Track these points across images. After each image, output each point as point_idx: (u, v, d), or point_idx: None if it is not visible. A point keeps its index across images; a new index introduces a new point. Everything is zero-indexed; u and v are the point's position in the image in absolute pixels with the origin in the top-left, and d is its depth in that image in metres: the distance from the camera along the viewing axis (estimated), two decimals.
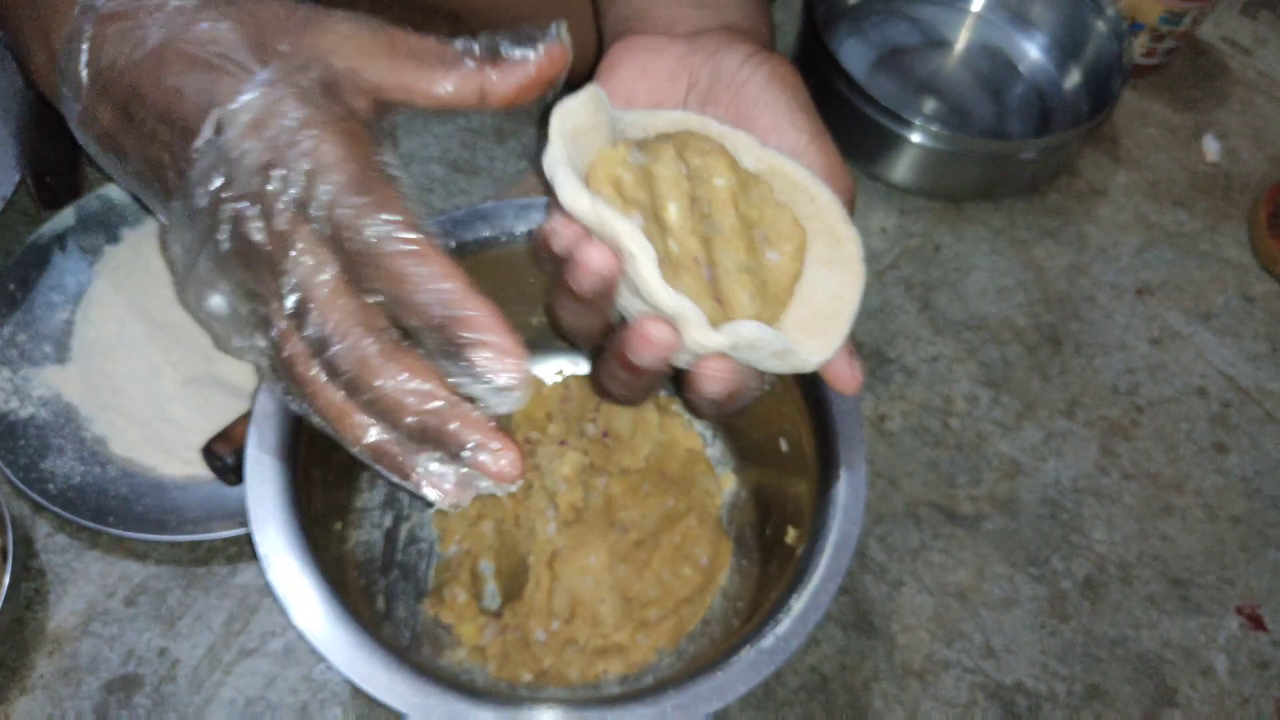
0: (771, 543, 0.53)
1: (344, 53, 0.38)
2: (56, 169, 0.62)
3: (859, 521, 0.46)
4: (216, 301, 0.38)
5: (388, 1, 0.72)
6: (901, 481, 0.62)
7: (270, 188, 0.34)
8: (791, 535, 0.50)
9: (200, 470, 0.55)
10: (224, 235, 0.36)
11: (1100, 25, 0.77)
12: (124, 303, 0.59)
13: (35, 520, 0.55)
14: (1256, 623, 0.60)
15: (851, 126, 0.73)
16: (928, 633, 0.57)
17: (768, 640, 0.43)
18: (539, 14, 0.68)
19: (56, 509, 0.52)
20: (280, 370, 0.37)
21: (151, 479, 0.55)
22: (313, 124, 0.35)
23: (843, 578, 0.45)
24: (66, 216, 0.61)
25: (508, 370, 0.34)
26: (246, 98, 0.35)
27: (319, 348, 0.35)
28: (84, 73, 0.38)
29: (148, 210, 0.62)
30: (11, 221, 0.64)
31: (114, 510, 0.53)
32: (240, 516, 0.53)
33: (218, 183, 0.35)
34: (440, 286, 0.33)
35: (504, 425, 0.56)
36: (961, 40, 0.83)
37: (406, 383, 0.34)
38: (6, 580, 0.49)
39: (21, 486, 0.52)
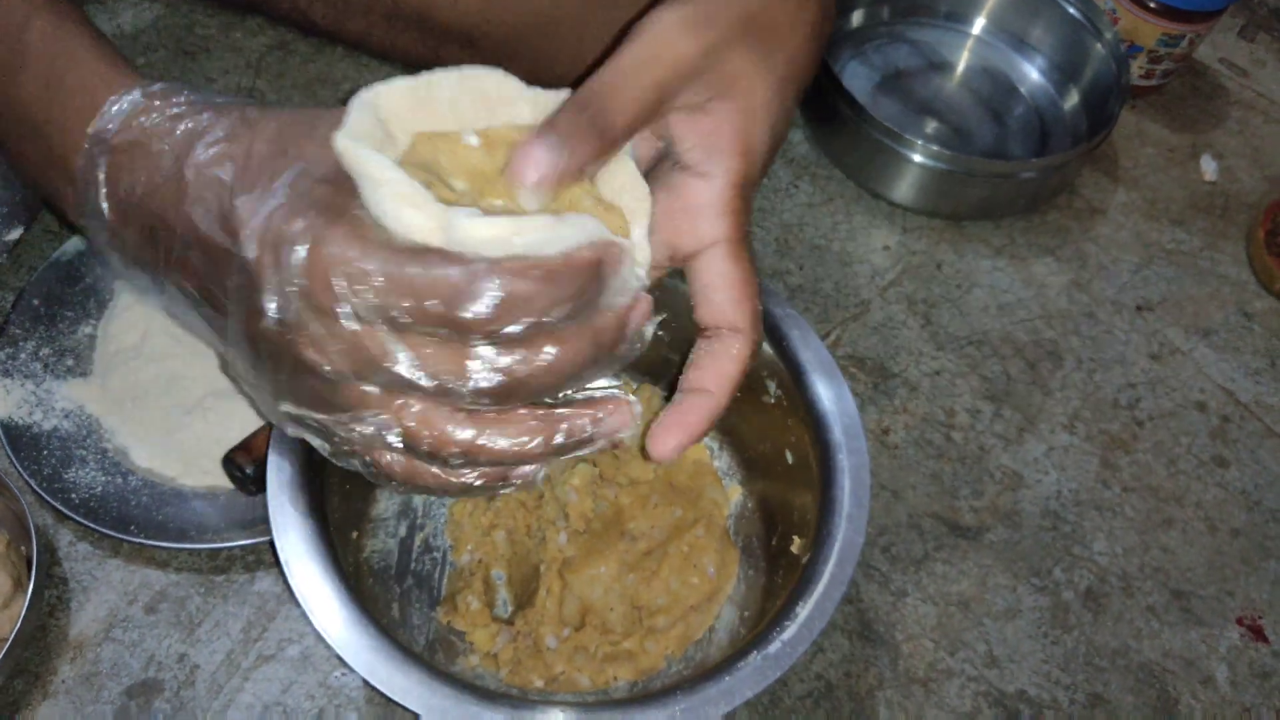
0: (777, 552, 0.54)
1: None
2: None
3: (863, 531, 0.48)
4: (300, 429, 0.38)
5: (402, 27, 0.73)
6: (905, 493, 0.63)
7: (301, 316, 0.34)
8: (797, 545, 0.51)
9: (220, 481, 0.56)
10: (286, 373, 0.36)
11: (1099, 48, 0.79)
12: (145, 317, 0.61)
13: (58, 529, 0.56)
14: (1257, 634, 0.61)
15: (855, 147, 0.74)
16: (931, 641, 0.58)
17: (774, 646, 0.44)
18: (551, 37, 0.70)
19: (79, 518, 0.53)
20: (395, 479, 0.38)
21: (172, 489, 0.56)
22: (313, 229, 0.33)
23: (847, 586, 0.46)
24: None
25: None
26: (257, 222, 0.34)
27: (426, 458, 0.36)
28: (104, 205, 0.39)
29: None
30: (36, 238, 0.66)
31: (135, 519, 0.54)
32: (258, 526, 0.54)
33: (268, 316, 0.34)
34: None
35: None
36: (962, 63, 0.84)
37: (513, 441, 0.36)
38: (30, 588, 0.50)
39: (45, 496, 0.54)
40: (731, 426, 0.60)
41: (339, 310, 0.33)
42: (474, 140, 0.36)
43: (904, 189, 0.74)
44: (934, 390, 0.68)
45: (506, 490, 0.39)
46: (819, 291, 0.71)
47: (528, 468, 0.38)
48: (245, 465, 0.53)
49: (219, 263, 0.36)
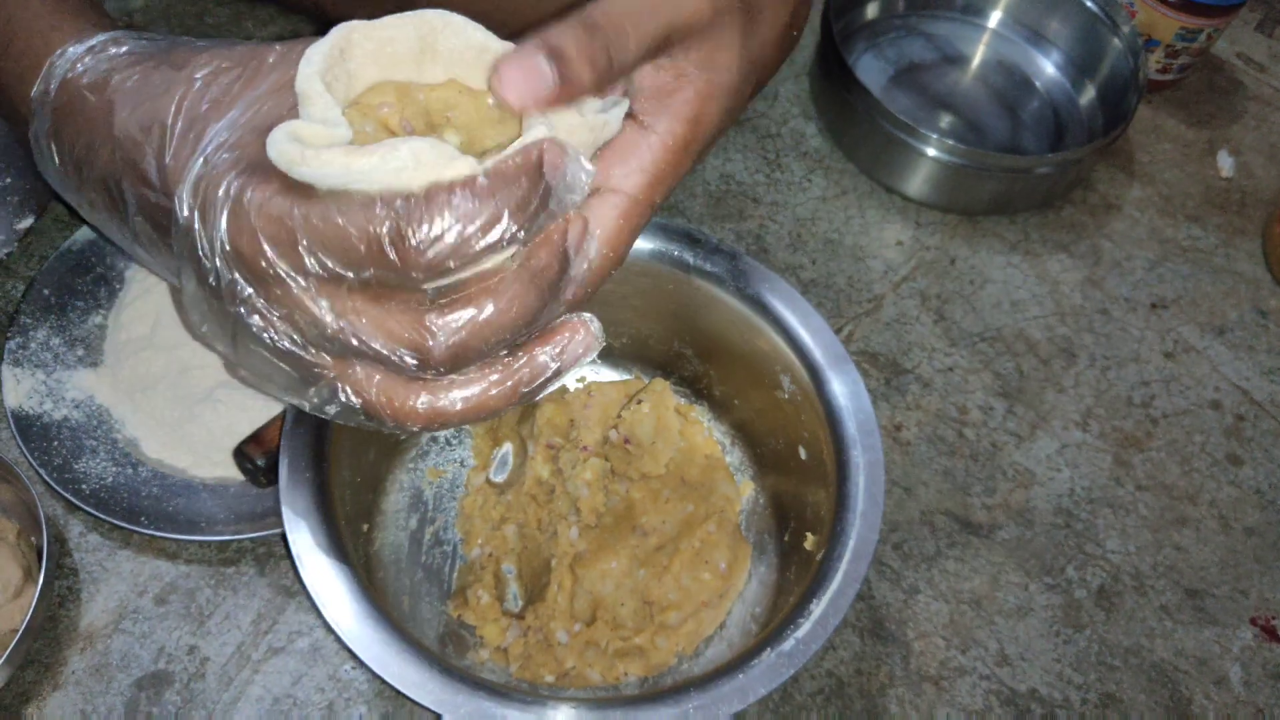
0: (790, 549, 0.54)
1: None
2: None
3: (877, 528, 0.47)
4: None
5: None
6: (917, 490, 0.63)
7: (233, 278, 0.32)
8: (810, 541, 0.51)
9: (230, 472, 0.56)
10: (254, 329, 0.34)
11: (1116, 42, 0.78)
12: (155, 307, 0.61)
13: (69, 520, 0.56)
14: (1271, 634, 0.60)
15: (869, 141, 0.74)
16: (943, 639, 0.58)
17: (788, 643, 0.44)
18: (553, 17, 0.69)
19: (89, 509, 0.53)
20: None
21: (183, 480, 0.56)
22: (238, 188, 0.32)
23: (861, 583, 0.46)
24: None
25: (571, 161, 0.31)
26: (188, 182, 0.33)
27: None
28: (59, 165, 0.39)
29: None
30: (46, 228, 0.66)
31: (146, 511, 0.54)
32: (268, 518, 0.54)
33: (208, 283, 0.33)
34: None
35: (529, 430, 0.57)
36: (978, 56, 0.84)
37: (477, 400, 0.34)
38: (41, 579, 0.50)
39: (56, 487, 0.54)
40: (744, 421, 0.59)
41: (274, 274, 0.31)
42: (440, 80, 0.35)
43: (918, 183, 0.73)
44: (947, 387, 0.67)
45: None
46: (832, 286, 0.71)
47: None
48: (256, 457, 0.52)
49: (166, 224, 0.34)
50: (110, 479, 0.55)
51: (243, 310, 0.33)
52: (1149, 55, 0.81)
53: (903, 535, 0.61)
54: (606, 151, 0.37)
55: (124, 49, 0.38)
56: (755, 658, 0.44)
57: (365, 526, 0.53)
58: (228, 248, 0.32)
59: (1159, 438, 0.67)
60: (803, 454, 0.54)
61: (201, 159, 0.33)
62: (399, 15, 0.33)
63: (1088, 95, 0.81)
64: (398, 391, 0.34)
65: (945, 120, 0.79)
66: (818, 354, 0.52)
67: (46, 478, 0.54)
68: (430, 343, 0.32)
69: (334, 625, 0.42)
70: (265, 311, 0.32)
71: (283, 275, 0.31)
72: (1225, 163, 0.81)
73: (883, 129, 0.72)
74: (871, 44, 0.83)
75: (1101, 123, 0.79)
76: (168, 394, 0.58)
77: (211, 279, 0.33)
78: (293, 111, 0.33)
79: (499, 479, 0.57)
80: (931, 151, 0.71)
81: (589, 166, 0.32)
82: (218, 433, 0.57)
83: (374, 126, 0.33)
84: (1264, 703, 0.58)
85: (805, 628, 0.44)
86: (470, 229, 0.30)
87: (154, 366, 0.59)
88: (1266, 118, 0.85)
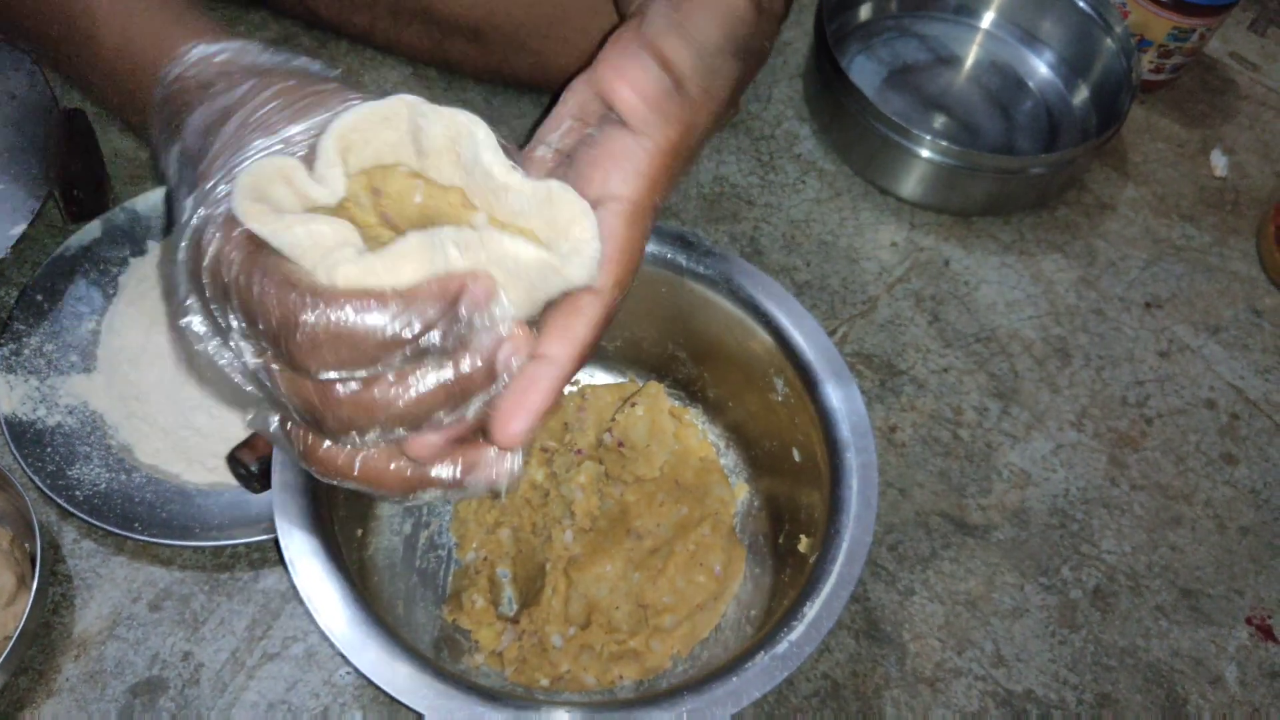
0: (784, 551, 0.54)
1: None
2: (84, 183, 0.63)
3: (871, 530, 0.47)
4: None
5: (407, 20, 0.73)
6: (912, 491, 0.63)
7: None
8: (804, 544, 0.51)
9: (224, 478, 0.56)
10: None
11: (1109, 42, 0.78)
12: (149, 313, 0.61)
13: (62, 526, 0.56)
14: (1266, 633, 0.60)
15: (862, 142, 0.74)
16: (938, 641, 0.58)
17: (782, 646, 0.44)
18: (556, 31, 0.69)
19: (83, 515, 0.53)
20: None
21: (176, 486, 0.56)
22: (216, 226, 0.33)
23: (855, 585, 0.46)
24: (93, 229, 0.62)
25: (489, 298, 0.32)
26: (198, 200, 0.34)
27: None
28: (175, 150, 0.39)
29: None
30: (39, 234, 0.65)
31: (140, 516, 0.54)
32: (263, 523, 0.54)
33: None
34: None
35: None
36: (971, 57, 0.84)
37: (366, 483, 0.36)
38: (34, 585, 0.50)
39: (49, 493, 0.54)
40: (738, 424, 0.59)
41: (214, 309, 0.33)
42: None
43: (912, 185, 0.74)
44: (941, 388, 0.67)
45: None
46: (826, 288, 0.71)
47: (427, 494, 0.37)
48: (249, 462, 0.52)
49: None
50: (104, 485, 0.55)
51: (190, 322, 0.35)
52: (1142, 55, 0.81)
53: (898, 537, 0.61)
54: (603, 160, 0.37)
55: (246, 59, 0.40)
56: (750, 660, 0.43)
57: (359, 531, 0.53)
58: (186, 269, 0.33)
59: (1154, 437, 0.67)
60: (797, 456, 0.54)
61: (222, 174, 0.34)
62: (450, 110, 0.33)
63: (1081, 95, 0.82)
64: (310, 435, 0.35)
65: (939, 121, 0.79)
66: (811, 356, 0.52)
67: (40, 484, 0.54)
68: (323, 411, 0.33)
69: (327, 631, 0.42)
70: (207, 335, 0.34)
71: (215, 313, 0.33)
72: (1219, 162, 0.81)
73: (876, 130, 0.72)
74: (865, 45, 0.83)
75: (1095, 123, 0.79)
76: (161, 400, 0.58)
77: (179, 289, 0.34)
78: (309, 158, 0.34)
79: None
80: (925, 152, 0.71)
81: (508, 309, 0.32)
82: (211, 439, 0.57)
83: (369, 204, 0.34)
84: (1260, 702, 0.58)
85: (800, 630, 0.44)
86: (364, 336, 0.31)
87: (147, 372, 0.59)
88: (1259, 117, 0.85)
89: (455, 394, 0.33)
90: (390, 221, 0.34)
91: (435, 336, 0.31)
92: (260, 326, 0.31)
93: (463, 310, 0.31)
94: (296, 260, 0.31)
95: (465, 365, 0.32)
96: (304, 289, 0.30)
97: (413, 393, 0.32)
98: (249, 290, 0.31)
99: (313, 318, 0.30)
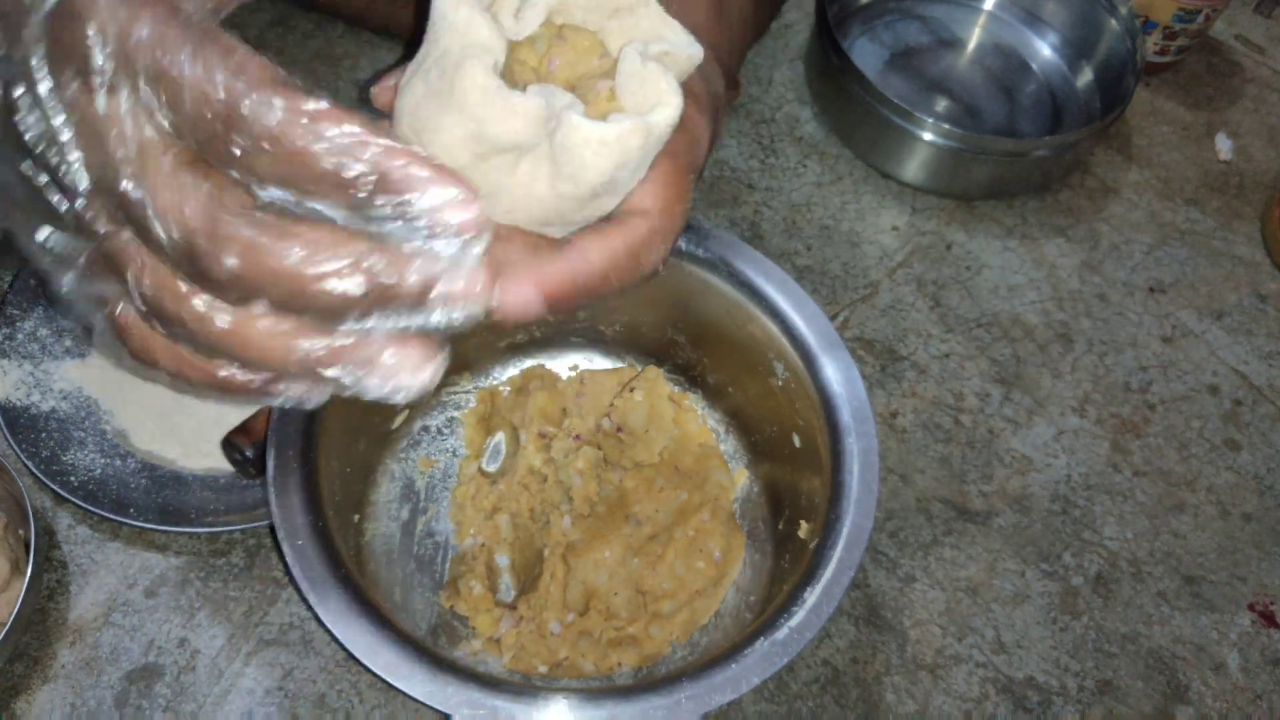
0: (784, 537, 0.53)
1: None
2: None
3: (871, 516, 0.47)
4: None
5: (403, 1, 0.72)
6: (913, 477, 0.63)
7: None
8: (804, 529, 0.50)
9: (219, 463, 0.55)
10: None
11: (1113, 24, 0.78)
12: None
13: (57, 512, 0.56)
14: (1269, 620, 0.60)
15: (864, 125, 0.73)
16: (939, 627, 0.58)
17: (781, 632, 0.43)
18: None
19: (78, 501, 0.53)
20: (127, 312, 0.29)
21: (171, 472, 0.56)
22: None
23: (855, 571, 0.45)
24: None
25: (455, 208, 0.26)
26: None
27: (179, 255, 0.27)
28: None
29: None
30: None
31: (135, 502, 0.54)
32: (259, 509, 0.54)
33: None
34: (338, 133, 0.25)
35: (521, 419, 0.56)
36: (973, 39, 0.83)
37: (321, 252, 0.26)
38: (29, 572, 0.49)
39: (43, 479, 0.53)
40: (738, 409, 0.59)
41: (93, 71, 0.25)
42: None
43: (914, 168, 0.73)
44: (943, 373, 0.67)
45: (274, 400, 0.30)
46: (827, 273, 0.70)
47: (292, 386, 0.30)
48: (244, 448, 0.52)
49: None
50: (99, 471, 0.55)
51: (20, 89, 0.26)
52: (1146, 37, 0.80)
53: (899, 523, 0.61)
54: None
55: None
56: (749, 646, 0.43)
57: (356, 517, 0.52)
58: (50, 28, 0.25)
59: (1156, 423, 0.67)
60: (797, 441, 0.53)
61: None
62: None
63: (1085, 78, 0.81)
64: (168, 282, 0.27)
65: (941, 104, 0.78)
66: (812, 341, 0.52)
67: (34, 469, 0.53)
68: (214, 241, 0.26)
69: (322, 617, 0.42)
70: (52, 104, 0.26)
71: (108, 81, 0.25)
72: (1223, 145, 0.81)
73: (878, 113, 0.71)
74: (866, 28, 0.82)
75: (1099, 105, 0.79)
76: (156, 385, 0.58)
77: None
78: None
79: (491, 468, 0.57)
80: (927, 136, 0.70)
81: (479, 250, 0.27)
82: (207, 423, 0.57)
83: (543, 50, 0.33)
84: (1262, 689, 0.58)
85: (799, 616, 0.44)
86: (303, 144, 0.25)
87: None
88: (1265, 100, 0.84)
89: (374, 298, 0.27)
90: (542, 76, 0.33)
91: (388, 220, 0.26)
92: (189, 99, 0.25)
93: (425, 211, 0.26)
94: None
95: (407, 275, 0.27)
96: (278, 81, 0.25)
97: (332, 266, 0.26)
98: (195, 60, 0.24)
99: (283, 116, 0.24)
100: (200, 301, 0.28)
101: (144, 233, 0.27)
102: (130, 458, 0.56)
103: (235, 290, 0.27)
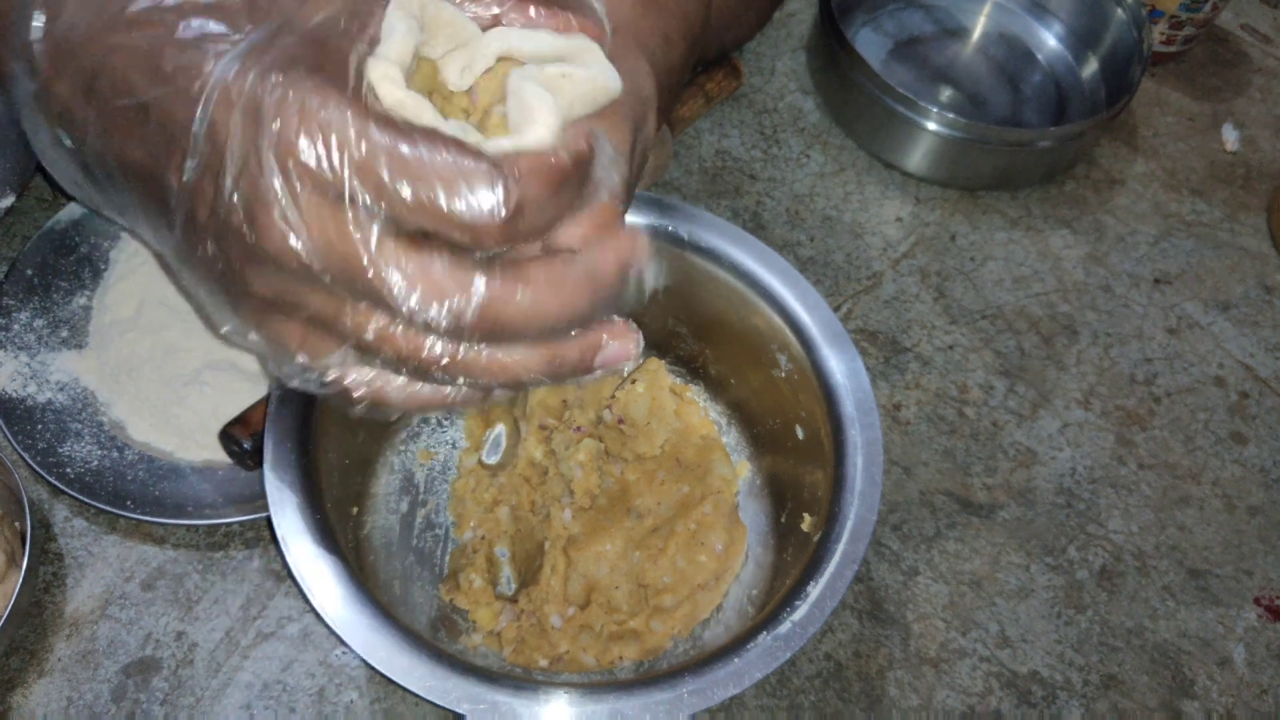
0: (787, 530, 0.53)
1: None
2: None
3: (875, 509, 0.46)
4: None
5: None
6: (916, 470, 0.62)
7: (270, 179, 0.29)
8: (807, 522, 0.50)
9: (218, 455, 0.55)
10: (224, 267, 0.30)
11: (1119, 13, 0.77)
12: (141, 288, 0.59)
13: (53, 504, 0.55)
14: (1275, 614, 0.60)
15: (867, 115, 0.73)
16: (943, 621, 0.57)
17: (784, 626, 0.43)
18: None
19: (74, 493, 0.52)
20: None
21: (169, 463, 0.55)
22: (293, 84, 0.28)
23: (859, 565, 0.45)
24: None
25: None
26: (219, 73, 0.28)
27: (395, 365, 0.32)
28: (37, 40, 0.31)
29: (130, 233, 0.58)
30: (29, 207, 0.64)
31: (132, 494, 0.53)
32: (257, 501, 0.53)
33: (223, 192, 0.29)
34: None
35: (521, 410, 0.56)
36: (978, 29, 0.82)
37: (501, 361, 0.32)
38: (25, 564, 0.49)
39: (40, 470, 0.53)
40: (741, 401, 0.58)
41: (326, 185, 0.28)
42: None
43: (918, 158, 0.72)
44: (947, 365, 0.66)
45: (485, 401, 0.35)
46: (830, 263, 0.69)
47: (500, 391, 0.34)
48: (242, 439, 0.51)
49: (168, 124, 0.29)
50: (96, 462, 0.54)
51: (255, 224, 0.29)
52: (1153, 26, 0.79)
53: (902, 516, 0.60)
54: None
55: None
56: (752, 641, 0.43)
57: (354, 510, 0.52)
58: (275, 148, 0.28)
59: (1162, 416, 0.66)
60: (800, 434, 0.53)
61: (239, 53, 0.29)
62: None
63: (1090, 68, 0.80)
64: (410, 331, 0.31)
65: (945, 94, 0.78)
66: (815, 332, 0.51)
67: (30, 461, 0.53)
68: (469, 305, 0.29)
69: (321, 610, 0.41)
70: (292, 224, 0.29)
71: (332, 195, 0.28)
72: (1230, 136, 0.80)
73: (882, 103, 0.70)
74: (870, 17, 0.81)
75: (1104, 96, 0.78)
76: (154, 376, 0.57)
77: (230, 184, 0.29)
78: (359, 33, 0.30)
79: (491, 461, 0.56)
80: (931, 125, 0.69)
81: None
82: (205, 415, 0.56)
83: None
84: (1268, 683, 0.57)
85: (802, 610, 0.43)
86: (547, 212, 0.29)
87: (140, 348, 0.58)
88: (1272, 90, 0.84)
89: (615, 283, 0.32)
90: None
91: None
92: (424, 194, 0.28)
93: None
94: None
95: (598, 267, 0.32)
96: (481, 150, 0.28)
97: (579, 276, 0.31)
98: (422, 157, 0.28)
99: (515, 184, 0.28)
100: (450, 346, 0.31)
101: (393, 310, 0.30)
102: (127, 449, 0.55)
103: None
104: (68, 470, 0.53)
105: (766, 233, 0.70)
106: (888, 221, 0.72)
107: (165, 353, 0.58)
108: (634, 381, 0.57)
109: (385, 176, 0.28)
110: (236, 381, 0.57)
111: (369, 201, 0.28)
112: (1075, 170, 0.76)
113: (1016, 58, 0.81)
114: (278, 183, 0.28)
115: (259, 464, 0.51)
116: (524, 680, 0.42)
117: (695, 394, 0.59)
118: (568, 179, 0.30)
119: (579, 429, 0.56)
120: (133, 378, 0.57)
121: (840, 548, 0.45)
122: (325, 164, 0.28)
